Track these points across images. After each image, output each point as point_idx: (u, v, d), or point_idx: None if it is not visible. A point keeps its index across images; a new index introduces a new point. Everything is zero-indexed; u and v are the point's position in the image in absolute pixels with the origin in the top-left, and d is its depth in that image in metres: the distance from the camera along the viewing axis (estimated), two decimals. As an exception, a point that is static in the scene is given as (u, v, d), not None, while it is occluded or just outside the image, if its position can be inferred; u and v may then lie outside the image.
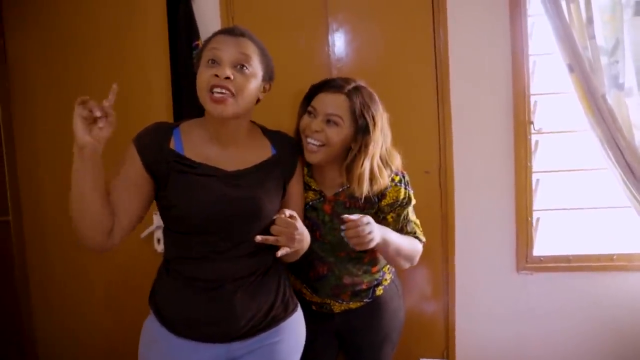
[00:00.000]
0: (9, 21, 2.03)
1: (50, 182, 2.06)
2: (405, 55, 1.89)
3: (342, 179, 1.42)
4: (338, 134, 1.34)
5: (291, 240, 1.17)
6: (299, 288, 1.54)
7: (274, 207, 1.27)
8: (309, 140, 1.35)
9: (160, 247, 1.97)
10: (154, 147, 1.19)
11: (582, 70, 1.71)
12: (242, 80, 1.17)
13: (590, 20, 1.71)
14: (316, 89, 1.41)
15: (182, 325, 1.23)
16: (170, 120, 1.86)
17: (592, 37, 1.71)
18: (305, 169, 1.45)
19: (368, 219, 1.28)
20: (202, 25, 1.90)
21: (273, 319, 1.28)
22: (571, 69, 1.73)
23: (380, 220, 1.43)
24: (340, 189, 1.43)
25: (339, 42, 1.92)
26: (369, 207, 1.42)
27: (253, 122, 1.34)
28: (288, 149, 1.34)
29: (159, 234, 1.97)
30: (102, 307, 2.08)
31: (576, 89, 1.74)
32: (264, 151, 1.30)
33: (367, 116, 1.34)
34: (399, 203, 1.44)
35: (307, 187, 1.44)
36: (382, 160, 1.40)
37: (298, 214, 1.26)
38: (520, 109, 1.87)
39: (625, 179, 1.73)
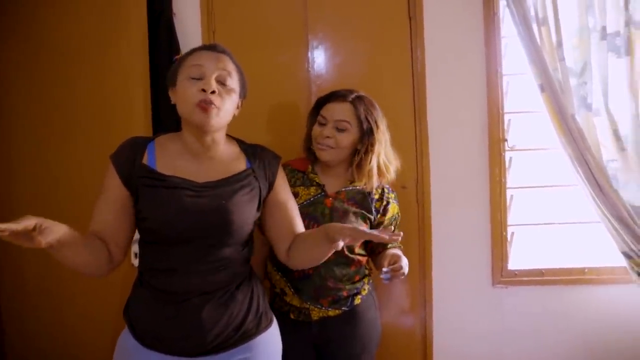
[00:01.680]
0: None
1: (27, 187, 2.01)
2: (383, 73, 1.93)
3: (346, 178, 1.61)
4: (347, 138, 1.54)
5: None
6: (282, 287, 1.57)
7: (246, 220, 1.26)
8: (321, 143, 1.54)
9: (136, 261, 1.94)
10: (128, 163, 1.22)
11: (552, 91, 1.78)
12: (224, 94, 1.21)
13: (560, 43, 1.78)
14: (324, 101, 1.60)
15: (152, 339, 1.22)
16: (150, 133, 1.86)
17: (562, 59, 1.79)
18: (310, 167, 1.61)
19: (405, 260, 1.47)
20: (182, 39, 1.91)
21: (244, 334, 1.27)
22: (542, 88, 1.79)
23: None
24: (343, 189, 1.59)
25: (318, 59, 1.95)
26: (365, 210, 1.58)
27: (230, 136, 1.35)
28: (265, 162, 1.34)
29: (135, 248, 1.93)
30: (76, 321, 2.03)
31: (547, 108, 1.80)
32: (237, 165, 1.30)
33: (370, 120, 1.55)
34: (394, 217, 1.65)
35: (309, 183, 1.59)
36: (387, 158, 1.59)
37: (290, 217, 1.35)
38: (494, 126, 1.93)
39: (594, 195, 1.79)
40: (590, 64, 1.79)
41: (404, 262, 1.44)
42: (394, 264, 1.42)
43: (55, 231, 1.02)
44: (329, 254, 1.26)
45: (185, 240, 1.20)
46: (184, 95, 1.20)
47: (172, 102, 1.27)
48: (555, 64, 1.79)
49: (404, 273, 1.42)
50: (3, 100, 2.01)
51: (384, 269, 1.40)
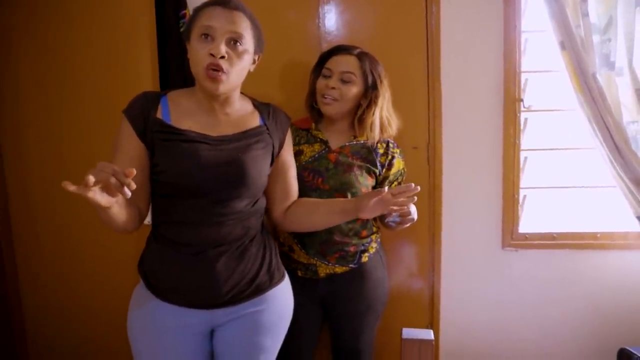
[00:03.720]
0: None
1: (37, 149, 2.01)
2: (396, 30, 1.87)
3: (350, 133, 1.61)
4: (351, 90, 1.54)
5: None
6: (290, 244, 1.59)
7: (260, 174, 1.28)
8: (326, 96, 1.54)
9: (148, 219, 1.96)
10: (142, 117, 1.21)
11: (573, 48, 1.71)
12: (235, 57, 1.18)
13: (584, -3, 1.69)
14: (328, 54, 1.60)
15: (166, 290, 1.25)
16: (157, 89, 1.83)
17: (586, 14, 1.71)
18: (313, 124, 1.62)
19: (414, 207, 1.47)
20: (190, -6, 1.85)
21: (257, 287, 1.29)
22: (563, 46, 1.72)
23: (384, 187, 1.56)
24: (347, 143, 1.60)
25: (329, 15, 1.88)
26: (370, 164, 1.59)
27: (243, 94, 1.35)
28: (277, 120, 1.36)
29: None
30: (90, 283, 2.07)
31: (567, 67, 1.73)
32: (251, 121, 1.31)
33: (375, 74, 1.56)
34: (400, 172, 1.65)
35: (313, 140, 1.61)
36: (389, 113, 1.61)
37: (292, 179, 1.41)
38: (510, 86, 1.87)
39: (612, 159, 1.74)
40: (616, 19, 1.70)
41: (413, 208, 1.45)
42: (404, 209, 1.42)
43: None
44: (336, 224, 1.35)
45: (200, 193, 1.21)
46: (194, 56, 1.19)
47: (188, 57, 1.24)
48: (578, 20, 1.71)
49: (413, 218, 1.45)
50: (9, 62, 1.99)
51: (393, 214, 1.42)
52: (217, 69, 1.16)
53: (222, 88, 1.18)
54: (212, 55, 1.15)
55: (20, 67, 1.98)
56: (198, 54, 1.17)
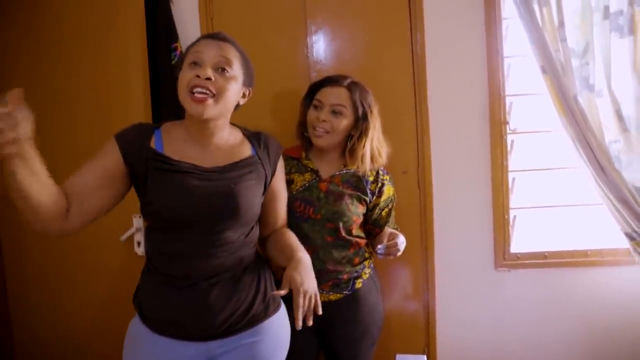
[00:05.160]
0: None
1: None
2: (383, 56, 1.92)
3: (340, 162, 1.63)
4: (342, 122, 1.56)
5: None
6: (282, 274, 1.56)
7: (253, 205, 1.28)
8: (317, 128, 1.55)
9: (140, 250, 1.96)
10: (136, 144, 1.21)
11: (554, 72, 1.76)
12: (222, 82, 1.19)
13: (561, 23, 1.76)
14: (318, 85, 1.62)
15: (160, 323, 1.24)
16: (149, 120, 1.85)
17: (564, 39, 1.76)
18: (304, 153, 1.64)
19: (402, 238, 1.53)
20: (181, 27, 1.89)
21: (252, 318, 1.29)
22: (544, 70, 1.77)
23: (374, 214, 1.64)
24: (337, 172, 1.61)
25: (317, 45, 1.93)
26: (361, 192, 1.60)
27: (233, 124, 1.36)
28: (269, 149, 1.36)
29: (139, 237, 1.96)
30: (82, 310, 2.05)
31: (549, 90, 1.78)
32: (243, 151, 1.32)
33: (365, 104, 1.57)
34: (390, 199, 1.66)
35: (304, 169, 1.61)
36: (379, 143, 1.62)
37: (280, 207, 1.41)
38: (496, 109, 1.91)
39: (597, 177, 1.78)
40: (593, 44, 1.76)
41: (400, 239, 1.48)
42: (391, 240, 1.47)
43: (28, 133, 0.94)
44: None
45: (191, 224, 1.20)
46: (180, 81, 1.20)
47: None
48: (557, 45, 1.77)
49: (399, 249, 1.47)
50: (1, 90, 2.00)
51: (379, 245, 1.46)
52: (203, 90, 1.16)
53: (208, 112, 1.17)
54: (197, 76, 1.16)
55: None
56: (184, 78, 1.19)
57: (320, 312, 1.18)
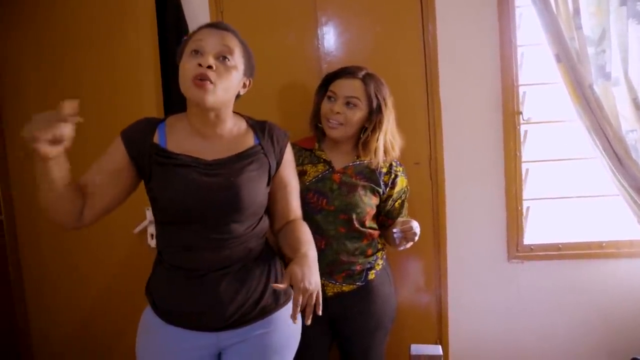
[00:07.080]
0: (0, 21, 2.02)
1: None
2: (394, 48, 1.90)
3: (353, 153, 1.62)
4: (356, 114, 1.55)
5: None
6: None
7: (256, 196, 1.27)
8: (331, 120, 1.55)
9: (153, 242, 1.98)
10: (139, 142, 1.23)
11: (569, 61, 1.73)
12: (223, 70, 1.20)
13: (577, 11, 1.72)
14: (332, 77, 1.61)
15: (172, 314, 1.26)
16: (161, 116, 1.86)
17: (579, 27, 1.73)
18: (317, 144, 1.63)
19: (416, 223, 1.51)
20: (191, 21, 1.89)
21: (263, 309, 1.29)
22: (559, 59, 1.74)
23: (387, 206, 1.64)
24: (350, 164, 1.61)
25: (328, 36, 1.92)
26: (374, 183, 1.60)
27: (237, 114, 1.35)
28: (273, 138, 1.34)
29: (152, 229, 1.98)
30: (97, 303, 2.09)
31: (564, 79, 1.75)
32: (246, 141, 1.31)
33: (379, 97, 1.56)
34: (403, 190, 1.66)
35: (317, 160, 1.61)
36: (393, 136, 1.61)
37: (291, 197, 1.36)
38: (509, 99, 1.89)
39: (613, 168, 1.75)
40: (609, 31, 1.73)
41: (414, 223, 1.48)
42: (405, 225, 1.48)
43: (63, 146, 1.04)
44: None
45: (196, 218, 1.21)
46: (182, 69, 1.21)
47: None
48: (572, 33, 1.74)
49: (415, 233, 1.47)
50: (12, 87, 2.03)
51: (395, 229, 1.47)
52: (204, 78, 1.16)
53: (210, 99, 1.17)
54: (199, 65, 1.16)
55: (22, 95, 2.02)
56: (185, 66, 1.19)
57: (320, 312, 1.13)
